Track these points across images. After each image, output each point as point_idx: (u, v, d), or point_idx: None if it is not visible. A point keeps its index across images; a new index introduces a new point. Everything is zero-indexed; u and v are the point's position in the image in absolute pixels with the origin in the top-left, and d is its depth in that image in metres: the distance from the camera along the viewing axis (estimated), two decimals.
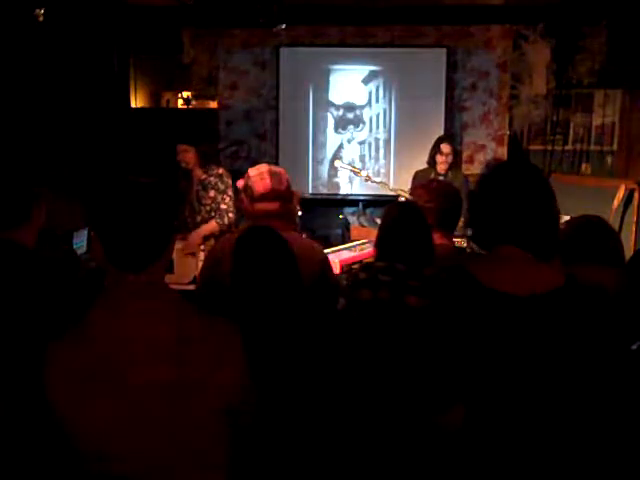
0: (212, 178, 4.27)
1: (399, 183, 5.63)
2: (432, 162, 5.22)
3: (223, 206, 4.23)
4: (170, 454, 1.45)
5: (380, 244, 2.54)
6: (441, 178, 5.07)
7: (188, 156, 4.26)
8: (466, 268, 1.60)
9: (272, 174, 2.57)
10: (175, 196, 4.37)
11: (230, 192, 4.24)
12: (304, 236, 3.31)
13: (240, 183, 2.69)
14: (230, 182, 4.27)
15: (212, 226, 4.17)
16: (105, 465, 1.44)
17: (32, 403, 1.55)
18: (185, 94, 6.62)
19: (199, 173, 4.31)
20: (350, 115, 6.49)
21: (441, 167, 5.14)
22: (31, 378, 1.50)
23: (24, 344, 1.81)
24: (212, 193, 4.26)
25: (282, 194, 2.56)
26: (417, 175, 5.29)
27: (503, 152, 6.48)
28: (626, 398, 1.77)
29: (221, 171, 4.30)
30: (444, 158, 5.11)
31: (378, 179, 5.16)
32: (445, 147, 5.14)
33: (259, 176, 2.56)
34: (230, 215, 4.21)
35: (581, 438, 1.54)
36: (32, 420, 1.63)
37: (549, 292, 1.52)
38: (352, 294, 2.42)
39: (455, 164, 5.30)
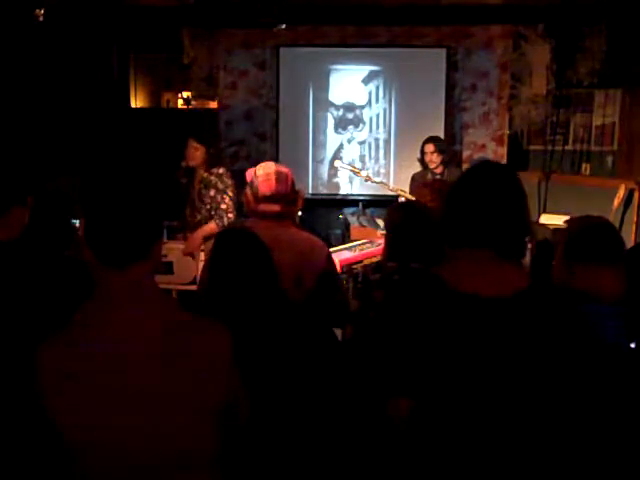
0: (213, 177, 4.29)
1: (399, 183, 5.63)
2: (423, 164, 5.32)
3: (223, 206, 4.23)
4: (157, 454, 1.45)
5: (391, 245, 2.53)
6: (438, 177, 5.12)
7: (197, 154, 4.28)
8: (431, 268, 1.61)
9: (278, 176, 2.59)
10: (168, 196, 4.36)
11: (230, 192, 4.25)
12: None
13: (248, 176, 2.70)
14: (230, 182, 4.28)
15: (211, 227, 4.18)
16: (95, 464, 1.44)
17: (24, 405, 1.55)
18: (185, 94, 6.61)
19: (202, 172, 4.33)
20: (350, 115, 6.48)
21: (432, 167, 5.23)
22: (22, 379, 1.50)
23: (14, 344, 1.81)
24: (212, 192, 4.27)
25: (286, 196, 2.59)
26: (414, 177, 5.38)
27: (503, 152, 6.49)
28: (618, 398, 1.77)
29: (221, 171, 4.31)
30: (429, 157, 5.21)
31: (378, 179, 5.16)
32: (427, 147, 5.24)
33: (265, 177, 2.59)
34: (229, 215, 4.21)
35: (535, 440, 1.52)
36: (24, 422, 1.63)
37: (513, 294, 1.52)
38: (366, 295, 2.42)
39: (449, 163, 5.36)
